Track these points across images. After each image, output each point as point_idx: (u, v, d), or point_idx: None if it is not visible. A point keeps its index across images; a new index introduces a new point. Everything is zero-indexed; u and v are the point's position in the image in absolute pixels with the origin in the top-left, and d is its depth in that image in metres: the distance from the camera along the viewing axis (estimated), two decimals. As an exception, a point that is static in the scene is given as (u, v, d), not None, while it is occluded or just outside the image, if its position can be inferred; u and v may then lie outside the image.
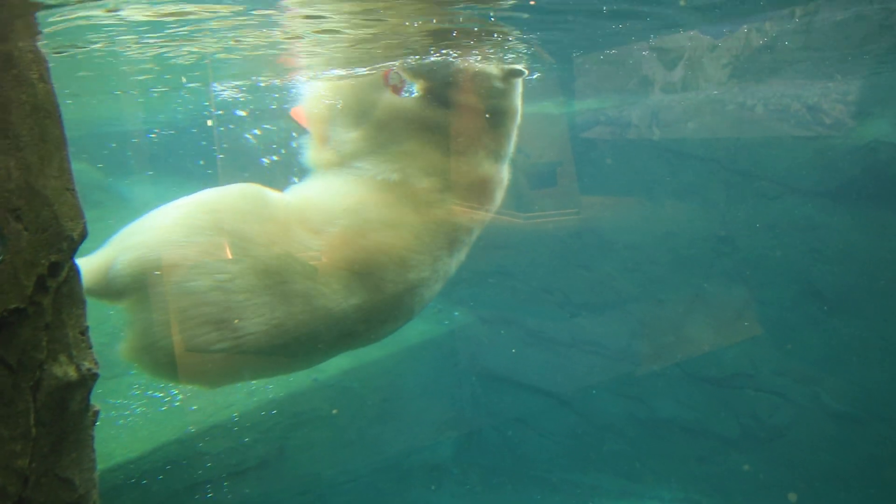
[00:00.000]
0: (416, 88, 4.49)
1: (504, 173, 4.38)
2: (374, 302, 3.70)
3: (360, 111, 4.14)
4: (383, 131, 4.07)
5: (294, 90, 7.38)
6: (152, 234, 3.38)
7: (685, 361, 10.95)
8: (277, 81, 6.88)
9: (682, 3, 5.32)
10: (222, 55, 5.28)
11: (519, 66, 4.49)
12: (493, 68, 4.38)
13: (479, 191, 4.19)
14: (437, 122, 4.14)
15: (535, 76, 8.11)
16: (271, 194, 3.82)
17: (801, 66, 10.54)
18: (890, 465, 9.72)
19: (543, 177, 11.17)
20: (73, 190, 2.39)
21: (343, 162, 4.03)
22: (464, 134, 4.18)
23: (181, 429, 8.05)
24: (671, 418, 11.06)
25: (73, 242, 2.36)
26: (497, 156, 4.30)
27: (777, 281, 10.54)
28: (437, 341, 10.99)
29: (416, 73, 4.50)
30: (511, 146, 4.43)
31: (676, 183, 11.34)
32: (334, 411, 9.49)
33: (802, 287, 10.40)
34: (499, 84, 4.32)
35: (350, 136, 4.07)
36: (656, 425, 11.14)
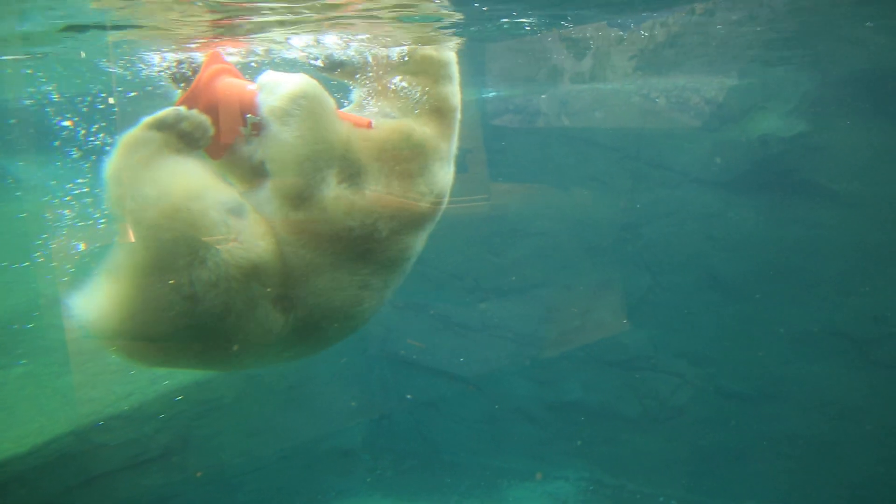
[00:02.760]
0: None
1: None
2: (306, 350, 3.43)
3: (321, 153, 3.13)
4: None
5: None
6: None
7: (591, 345, 11.26)
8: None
9: None
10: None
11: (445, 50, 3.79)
12: (431, 50, 3.67)
13: (433, 215, 3.52)
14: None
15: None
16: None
17: (699, 62, 10.99)
18: (779, 441, 10.35)
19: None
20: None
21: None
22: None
23: (76, 420, 7.59)
24: (578, 401, 11.36)
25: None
26: (450, 160, 3.64)
27: (677, 267, 10.98)
28: (347, 327, 10.84)
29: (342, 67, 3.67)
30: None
31: (584, 171, 11.60)
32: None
33: (700, 273, 10.88)
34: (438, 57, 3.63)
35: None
36: (563, 408, 11.42)
